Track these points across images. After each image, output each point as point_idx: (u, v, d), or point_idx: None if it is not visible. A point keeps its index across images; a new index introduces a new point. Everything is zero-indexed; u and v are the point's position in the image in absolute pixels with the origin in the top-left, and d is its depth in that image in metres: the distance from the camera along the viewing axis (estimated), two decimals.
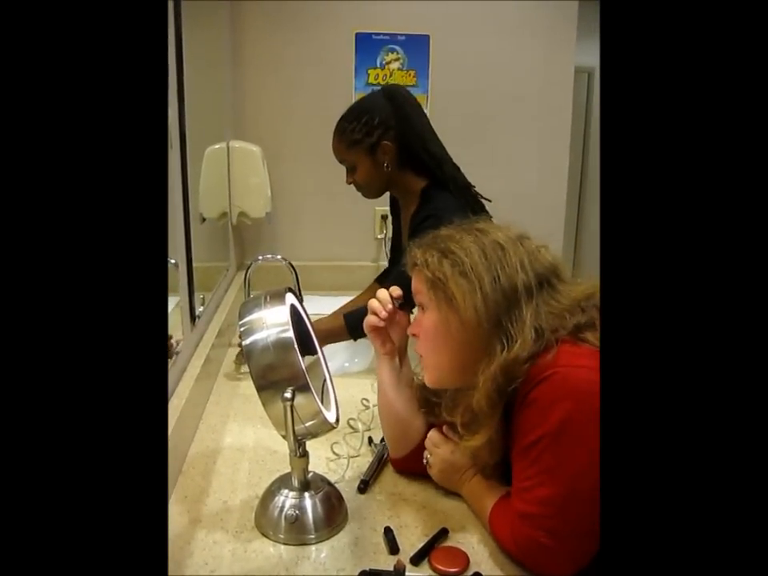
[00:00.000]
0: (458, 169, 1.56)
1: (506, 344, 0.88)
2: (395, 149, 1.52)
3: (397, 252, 1.78)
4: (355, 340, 1.56)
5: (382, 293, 1.05)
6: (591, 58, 2.18)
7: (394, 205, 1.77)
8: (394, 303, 1.04)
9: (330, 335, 1.54)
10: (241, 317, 0.96)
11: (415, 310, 1.02)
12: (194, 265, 1.42)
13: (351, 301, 1.74)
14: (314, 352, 1.10)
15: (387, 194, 1.69)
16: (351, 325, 1.52)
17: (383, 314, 1.03)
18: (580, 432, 0.82)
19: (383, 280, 1.78)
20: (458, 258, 0.91)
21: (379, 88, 1.63)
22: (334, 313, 1.66)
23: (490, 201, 1.57)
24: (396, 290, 1.05)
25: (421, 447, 1.07)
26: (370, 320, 1.06)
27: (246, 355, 0.93)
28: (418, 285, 0.97)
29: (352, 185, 1.62)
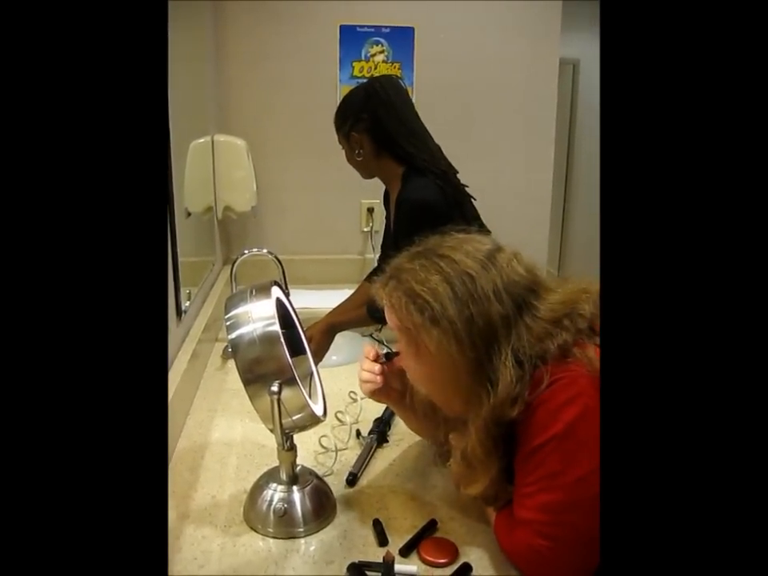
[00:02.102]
0: (440, 157, 1.61)
1: (490, 389, 0.84)
2: (368, 139, 1.60)
3: (387, 243, 1.78)
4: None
5: (367, 363, 1.04)
6: (576, 49, 2.19)
7: (386, 197, 1.78)
8: (380, 364, 1.04)
9: (350, 324, 1.65)
10: (227, 311, 0.96)
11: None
12: (179, 260, 1.41)
13: (341, 305, 1.73)
14: (302, 350, 1.10)
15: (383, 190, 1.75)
16: (372, 313, 1.56)
17: (378, 379, 1.03)
18: (586, 437, 0.80)
19: (372, 278, 1.78)
20: (425, 302, 0.84)
21: (367, 80, 1.69)
22: (336, 310, 1.67)
23: (467, 186, 1.63)
24: (371, 352, 1.05)
25: None
26: (367, 388, 1.05)
27: (232, 349, 0.93)
28: (390, 322, 0.92)
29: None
